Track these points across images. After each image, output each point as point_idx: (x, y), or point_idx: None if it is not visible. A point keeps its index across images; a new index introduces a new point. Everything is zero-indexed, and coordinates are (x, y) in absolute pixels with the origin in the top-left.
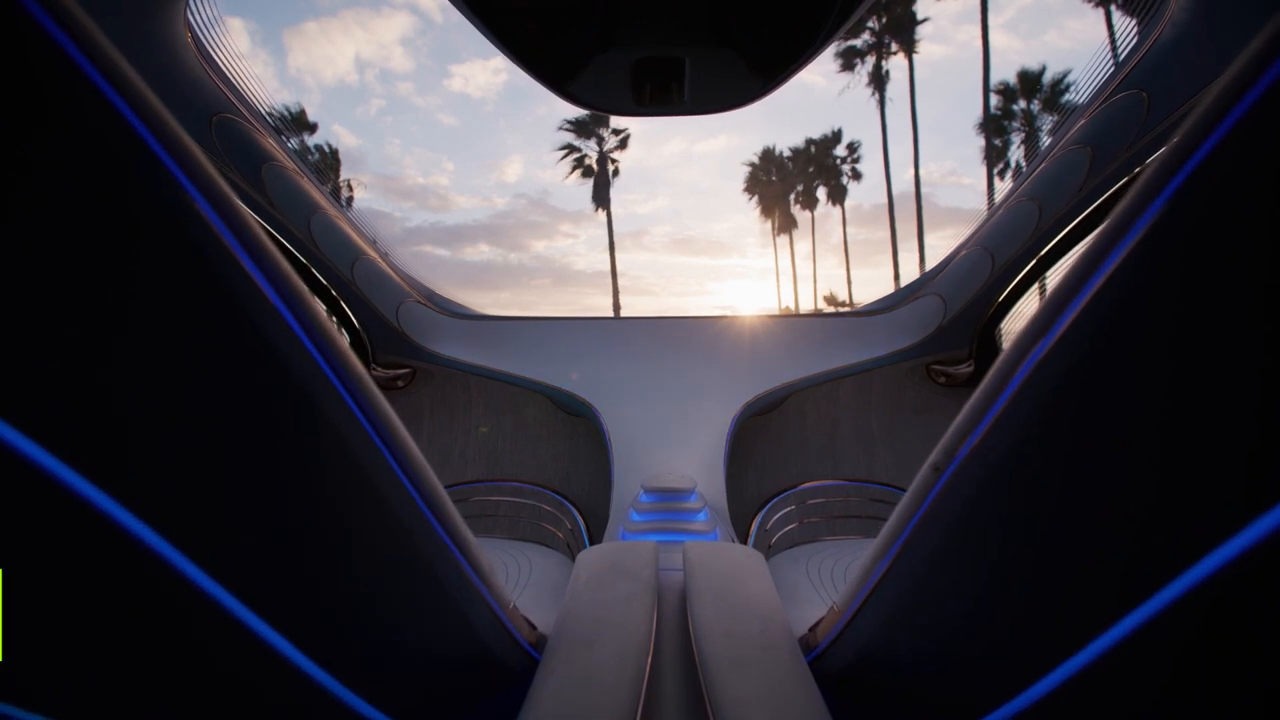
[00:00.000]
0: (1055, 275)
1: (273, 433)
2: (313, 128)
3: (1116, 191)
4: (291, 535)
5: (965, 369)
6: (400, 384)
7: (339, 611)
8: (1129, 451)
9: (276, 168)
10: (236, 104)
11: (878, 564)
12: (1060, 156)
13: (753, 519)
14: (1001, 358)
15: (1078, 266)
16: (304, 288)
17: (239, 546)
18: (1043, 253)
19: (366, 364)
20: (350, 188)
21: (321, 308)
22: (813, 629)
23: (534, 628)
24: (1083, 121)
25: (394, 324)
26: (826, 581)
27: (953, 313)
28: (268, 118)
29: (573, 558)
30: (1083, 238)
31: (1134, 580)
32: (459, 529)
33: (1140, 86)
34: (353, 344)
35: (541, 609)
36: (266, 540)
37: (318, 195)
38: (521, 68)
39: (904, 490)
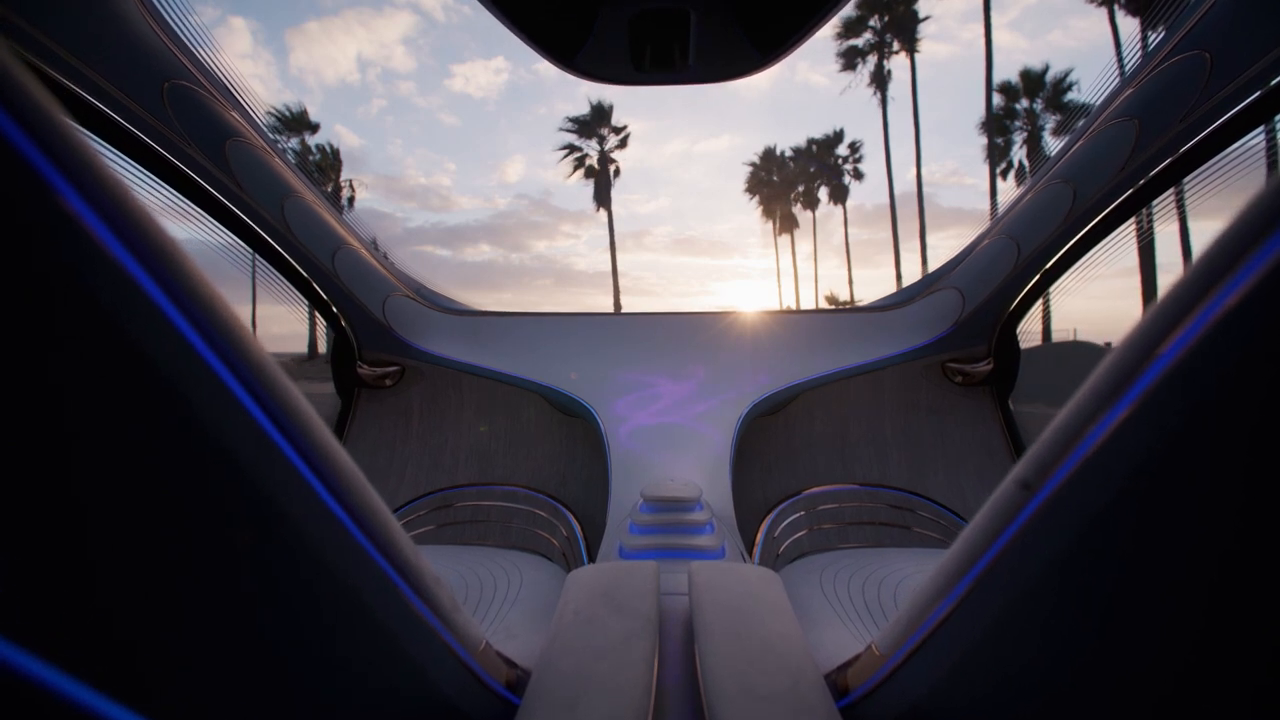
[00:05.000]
0: (1087, 265)
1: (152, 457)
2: (314, 127)
3: (1169, 166)
4: (177, 595)
5: (984, 367)
6: (389, 383)
7: (247, 686)
8: None
9: (243, 145)
10: (193, 70)
11: (939, 601)
12: (1100, 132)
13: (759, 526)
14: (1128, 340)
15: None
16: (184, 257)
17: (101, 611)
18: (1075, 239)
19: (353, 362)
20: (352, 188)
21: (214, 290)
22: (843, 669)
23: (514, 665)
24: (1129, 91)
25: (381, 319)
26: (843, 597)
27: (971, 307)
28: (233, 89)
29: (568, 568)
30: (1123, 220)
31: None
32: (410, 562)
33: (1202, 46)
34: (338, 341)
35: (532, 631)
36: (142, 604)
37: (292, 177)
38: (522, 38)
39: (919, 496)
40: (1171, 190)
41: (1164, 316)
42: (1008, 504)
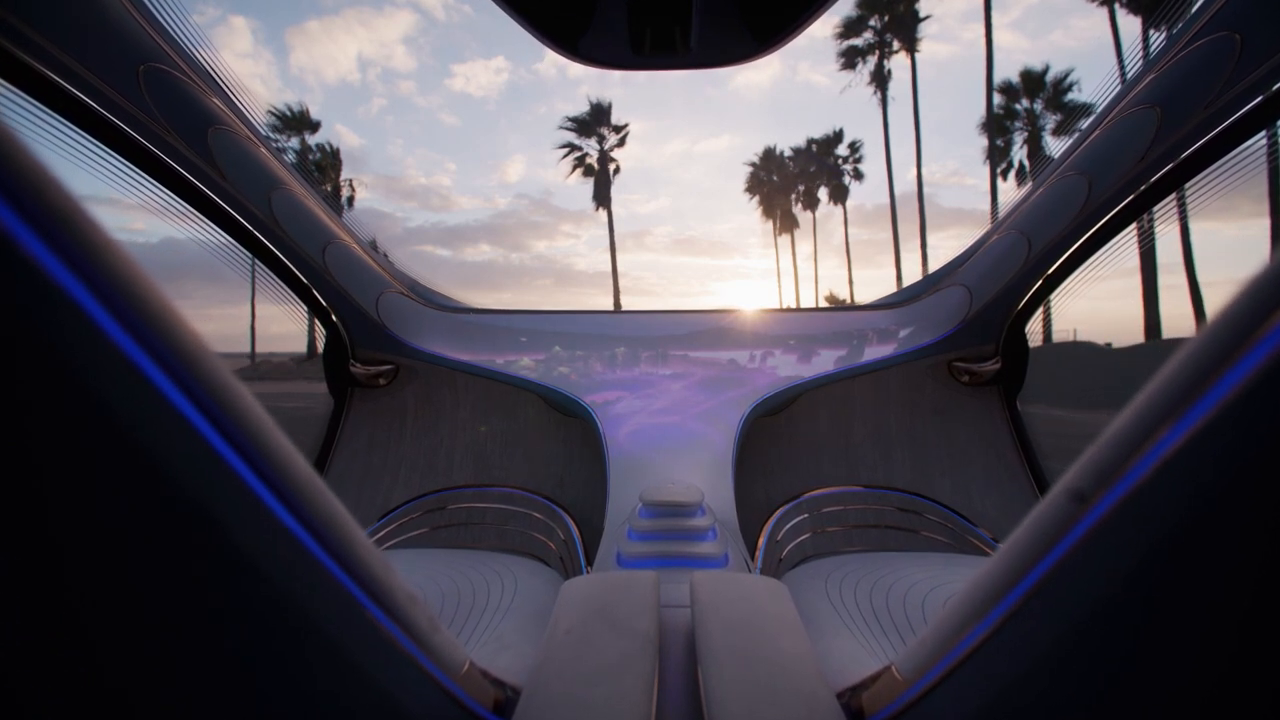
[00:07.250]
0: (1094, 264)
1: (50, 456)
2: (315, 127)
3: (1190, 156)
4: (91, 620)
5: (991, 366)
6: (383, 382)
7: None
8: None
9: (226, 133)
10: (172, 54)
11: (972, 625)
12: (1117, 121)
13: (761, 529)
14: (1217, 322)
15: None
16: (90, 222)
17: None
18: (1090, 233)
19: (346, 361)
20: (353, 187)
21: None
22: (858, 690)
23: (501, 685)
24: (1151, 77)
25: (374, 317)
26: (850, 604)
27: (979, 305)
28: (215, 75)
29: (565, 573)
30: (1142, 212)
31: None
32: (379, 579)
33: (1232, 27)
34: (331, 339)
35: (526, 641)
36: (43, 632)
37: (279, 168)
38: (524, 26)
39: (924, 498)
40: (1187, 183)
41: (1264, 294)
42: (1056, 517)
